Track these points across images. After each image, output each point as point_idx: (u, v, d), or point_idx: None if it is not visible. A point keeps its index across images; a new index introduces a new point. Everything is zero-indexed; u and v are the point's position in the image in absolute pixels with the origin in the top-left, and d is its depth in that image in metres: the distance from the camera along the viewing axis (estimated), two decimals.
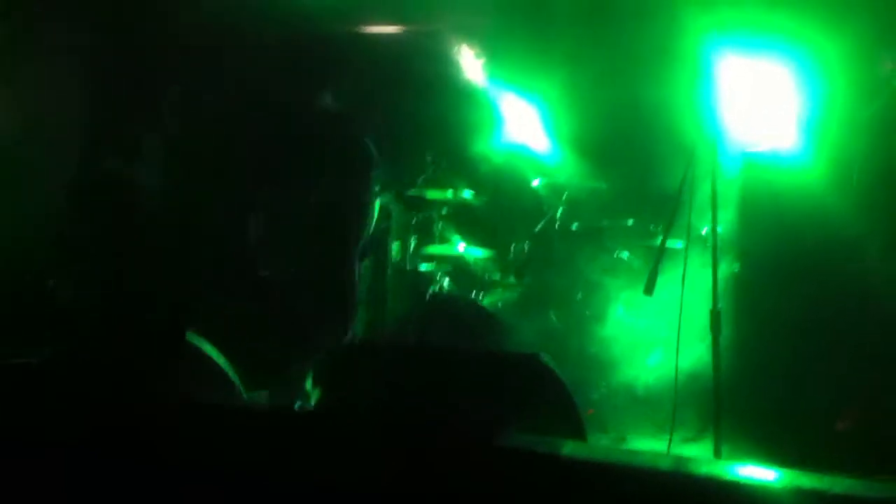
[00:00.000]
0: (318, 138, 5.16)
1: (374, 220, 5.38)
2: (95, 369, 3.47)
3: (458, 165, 7.10)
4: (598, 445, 2.85)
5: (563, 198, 6.61)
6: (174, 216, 6.13)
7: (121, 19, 6.08)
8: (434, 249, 7.10)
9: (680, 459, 2.22)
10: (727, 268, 5.06)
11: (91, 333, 4.67)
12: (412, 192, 7.04)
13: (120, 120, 6.04)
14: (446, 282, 6.88)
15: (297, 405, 4.98)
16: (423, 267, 7.09)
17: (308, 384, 5.03)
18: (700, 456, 4.49)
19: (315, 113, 5.22)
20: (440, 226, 7.14)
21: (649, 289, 4.13)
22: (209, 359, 3.98)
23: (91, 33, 6.09)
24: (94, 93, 6.10)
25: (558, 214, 6.58)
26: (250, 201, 5.79)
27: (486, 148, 7.06)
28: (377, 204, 5.39)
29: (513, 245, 6.86)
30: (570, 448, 2.27)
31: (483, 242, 7.09)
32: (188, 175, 6.16)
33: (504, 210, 7.14)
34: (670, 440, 4.28)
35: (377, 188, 5.35)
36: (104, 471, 2.56)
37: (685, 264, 4.21)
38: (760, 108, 4.54)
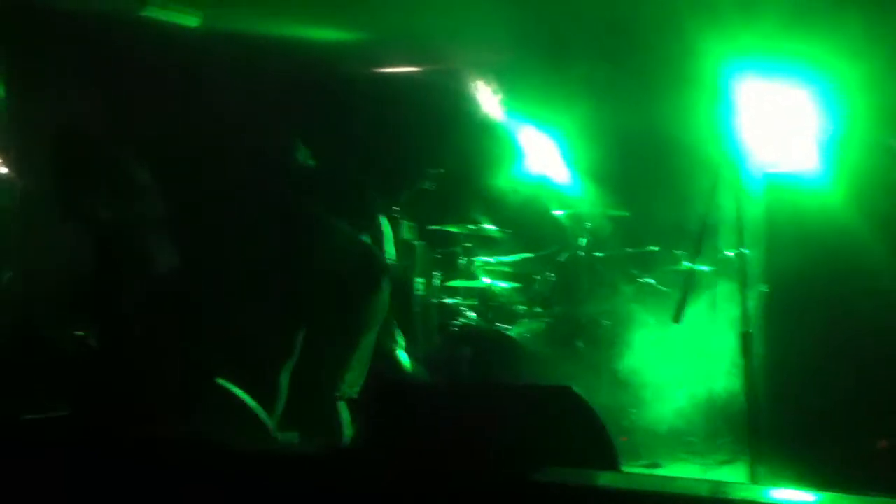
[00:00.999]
0: (341, 177, 5.19)
1: (394, 260, 5.39)
2: (122, 416, 3.50)
3: (480, 199, 7.13)
4: (635, 474, 2.83)
5: (587, 227, 6.62)
6: (195, 256, 6.18)
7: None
8: (459, 283, 7.12)
9: (718, 484, 2.21)
10: (755, 290, 5.05)
11: (116, 381, 4.71)
12: (434, 227, 7.08)
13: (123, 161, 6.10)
14: (473, 315, 6.89)
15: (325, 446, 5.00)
16: (449, 301, 7.11)
17: (339, 425, 5.04)
18: (737, 480, 4.45)
19: (332, 152, 5.26)
20: (464, 260, 7.16)
21: (678, 316, 4.11)
22: (239, 401, 4.00)
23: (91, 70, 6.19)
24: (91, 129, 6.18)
25: (583, 243, 6.58)
26: (272, 247, 5.83)
27: (507, 181, 7.09)
28: (391, 242, 5.41)
29: (538, 276, 6.86)
30: (606, 479, 2.26)
31: (508, 275, 7.10)
32: (208, 217, 6.22)
33: (528, 241, 7.15)
34: (706, 466, 4.24)
35: (389, 227, 5.38)
36: (104, 471, 2.57)
37: (715, 288, 4.20)
38: (782, 131, 4.54)
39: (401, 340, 5.51)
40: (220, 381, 4.08)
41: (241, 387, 3.97)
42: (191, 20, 6.66)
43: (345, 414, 4.96)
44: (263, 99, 6.30)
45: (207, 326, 6.21)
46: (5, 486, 2.58)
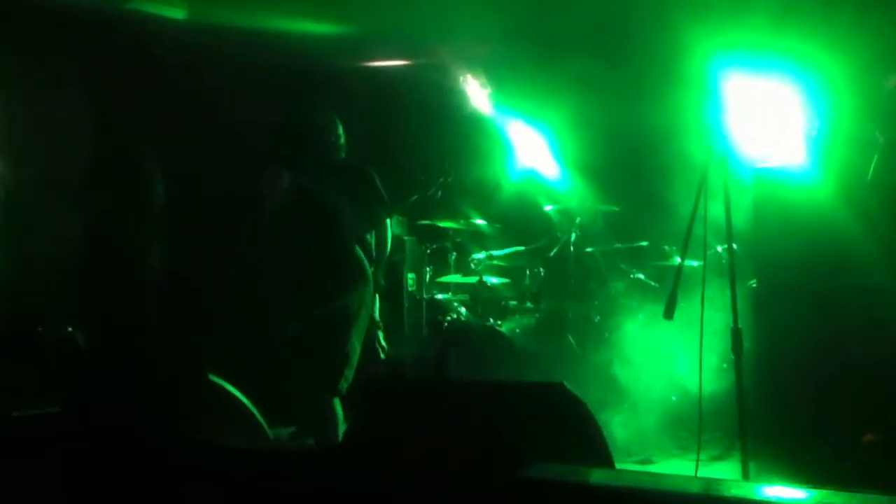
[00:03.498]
0: (328, 168, 5.18)
1: (386, 253, 5.39)
2: (116, 414, 3.49)
3: (470, 194, 7.14)
4: (626, 471, 2.84)
5: (577, 222, 6.64)
6: (187, 254, 6.17)
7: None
8: (449, 278, 7.13)
9: (709, 482, 2.23)
10: (745, 285, 5.07)
11: (109, 378, 4.69)
12: (424, 222, 7.08)
13: (117, 158, 6.08)
14: (463, 310, 6.89)
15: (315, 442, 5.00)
16: (439, 296, 7.11)
17: (332, 421, 5.04)
18: (728, 476, 4.48)
19: (323, 144, 5.24)
20: (454, 255, 7.17)
21: (669, 312, 4.12)
22: (232, 398, 4.00)
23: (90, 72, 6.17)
24: (91, 132, 6.15)
25: (572, 239, 6.60)
26: (264, 238, 5.81)
27: (496, 176, 7.10)
28: (389, 236, 5.40)
29: (528, 271, 6.87)
30: (598, 476, 2.28)
31: (498, 270, 7.11)
32: (199, 215, 6.21)
33: (518, 237, 7.16)
34: (697, 461, 4.26)
35: (385, 219, 5.37)
36: (104, 471, 2.57)
37: (703, 283, 4.21)
38: (769, 126, 4.57)
39: (382, 338, 5.51)
40: (213, 378, 4.08)
41: (234, 383, 3.98)
42: (177, 13, 6.63)
43: (338, 410, 4.96)
44: (250, 93, 6.29)
45: (201, 323, 6.21)
46: (5, 486, 2.58)
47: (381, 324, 5.48)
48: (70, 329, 5.20)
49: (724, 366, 4.88)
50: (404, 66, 7.57)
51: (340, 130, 5.13)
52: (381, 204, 5.17)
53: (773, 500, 2.05)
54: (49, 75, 6.07)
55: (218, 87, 6.27)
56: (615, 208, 6.72)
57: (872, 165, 4.28)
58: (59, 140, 6.03)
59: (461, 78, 7.14)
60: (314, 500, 2.42)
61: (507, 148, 7.10)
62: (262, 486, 2.45)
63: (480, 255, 6.97)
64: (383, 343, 5.50)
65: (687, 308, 4.35)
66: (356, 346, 5.04)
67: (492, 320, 6.70)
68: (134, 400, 3.67)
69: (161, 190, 6.17)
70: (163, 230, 6.14)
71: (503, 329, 6.43)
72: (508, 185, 7.07)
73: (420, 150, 6.94)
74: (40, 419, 3.08)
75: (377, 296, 5.39)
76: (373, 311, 5.33)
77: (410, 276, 7.07)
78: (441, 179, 6.35)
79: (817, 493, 2.02)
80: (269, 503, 2.41)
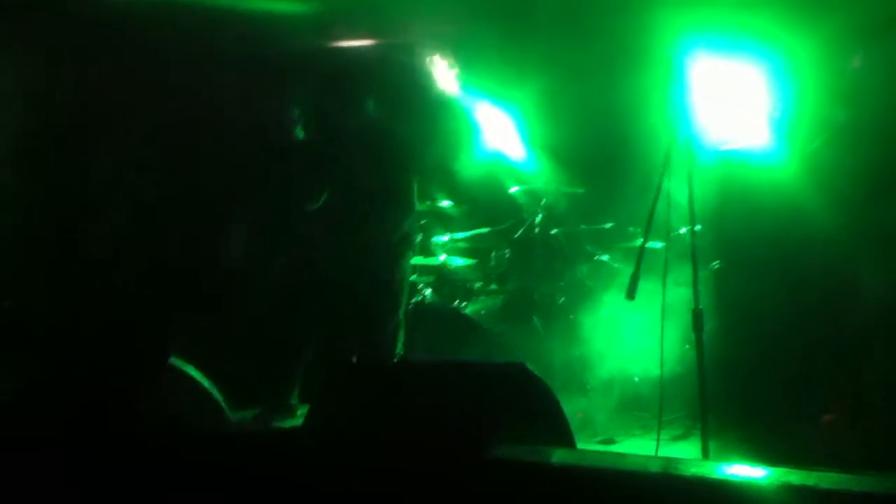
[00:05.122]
0: (298, 149, 5.15)
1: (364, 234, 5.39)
2: (78, 396, 3.45)
3: (436, 175, 7.11)
4: (588, 451, 2.86)
5: (542, 204, 6.64)
6: (150, 234, 6.09)
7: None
8: (415, 260, 7.11)
9: (669, 461, 2.23)
10: (707, 267, 5.11)
11: (69, 360, 4.63)
12: None
13: (75, 138, 5.99)
14: (428, 292, 6.88)
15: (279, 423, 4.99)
16: None
17: (295, 404, 5.02)
18: (689, 456, 4.52)
19: (292, 126, 5.20)
20: (420, 237, 7.14)
21: (631, 293, 4.13)
22: (193, 381, 3.96)
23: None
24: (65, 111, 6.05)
25: (538, 220, 6.60)
26: (229, 217, 5.77)
27: (463, 157, 7.08)
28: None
29: (493, 253, 6.87)
30: (559, 456, 2.28)
31: (464, 251, 7.10)
32: (164, 193, 6.13)
33: (484, 218, 7.15)
34: (658, 441, 4.29)
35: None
36: (101, 471, 2.54)
37: (665, 265, 4.23)
38: (734, 107, 4.58)
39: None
40: (175, 361, 4.03)
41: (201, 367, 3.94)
42: None
43: (301, 392, 4.96)
44: (217, 74, 6.21)
45: (162, 305, 6.15)
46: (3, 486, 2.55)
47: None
48: (32, 310, 5.14)
49: (687, 346, 4.91)
50: (370, 45, 7.50)
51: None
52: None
53: (731, 478, 2.07)
54: (5, 55, 5.96)
55: (177, 67, 6.18)
56: (581, 190, 6.73)
57: (835, 147, 4.31)
58: (17, 118, 5.92)
59: (428, 58, 7.09)
60: (278, 486, 2.40)
61: (474, 129, 7.07)
62: (217, 469, 2.42)
63: (444, 238, 6.96)
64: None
65: (650, 289, 4.37)
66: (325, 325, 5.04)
67: (457, 302, 6.70)
68: (95, 383, 3.63)
69: (127, 170, 6.09)
70: (131, 212, 6.07)
71: (469, 311, 6.43)
72: (474, 166, 7.04)
73: (391, 135, 6.91)
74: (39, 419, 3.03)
75: None
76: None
77: None
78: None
79: (775, 472, 2.04)
80: (224, 486, 2.39)
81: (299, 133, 5.13)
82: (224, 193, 5.64)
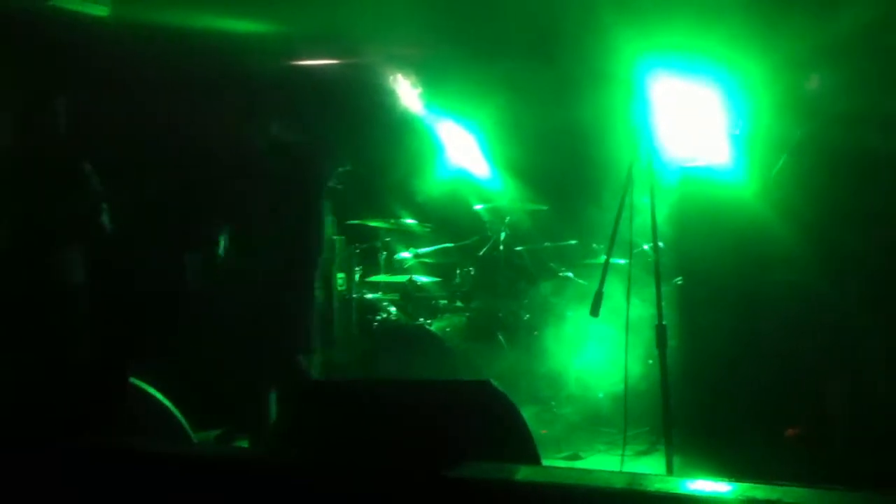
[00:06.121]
0: (260, 169, 5.13)
1: (322, 249, 5.36)
2: (37, 415, 3.40)
3: (400, 194, 7.12)
4: (553, 468, 2.86)
5: (506, 221, 6.67)
6: (109, 253, 6.02)
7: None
8: (379, 278, 7.10)
9: (633, 477, 2.24)
10: (671, 282, 5.15)
11: (27, 379, 4.57)
12: (354, 221, 7.04)
13: (36, 155, 5.91)
14: (393, 310, 6.87)
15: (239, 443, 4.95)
16: (370, 296, 7.08)
17: (258, 424, 4.98)
18: (653, 471, 4.54)
19: (257, 145, 5.19)
20: (384, 255, 7.15)
21: (595, 310, 4.16)
22: (154, 401, 3.92)
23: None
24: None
25: (502, 238, 6.63)
26: (191, 235, 5.72)
27: (427, 175, 7.10)
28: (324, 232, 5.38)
29: (458, 270, 6.88)
30: (525, 473, 2.28)
31: (428, 269, 7.10)
32: (122, 212, 6.07)
33: (448, 236, 7.16)
34: (622, 457, 4.31)
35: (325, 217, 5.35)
36: (99, 471, 2.51)
37: (629, 281, 4.26)
38: (693, 125, 4.64)
39: (321, 335, 5.47)
40: (135, 382, 3.99)
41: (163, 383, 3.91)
42: (100, 10, 6.46)
43: (265, 413, 4.92)
44: (175, 93, 6.17)
45: (126, 323, 6.07)
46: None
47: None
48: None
49: (651, 362, 4.95)
50: (335, 65, 7.51)
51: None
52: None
53: (695, 493, 2.08)
54: None
55: (142, 87, 6.13)
56: (544, 207, 6.77)
57: (794, 164, 4.37)
58: None
59: (391, 78, 7.11)
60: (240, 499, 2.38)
61: (438, 147, 7.10)
62: (178, 490, 2.39)
63: (407, 254, 6.96)
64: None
65: (614, 305, 4.40)
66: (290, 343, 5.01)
67: (422, 319, 6.69)
68: (50, 403, 3.58)
69: (83, 188, 6.01)
70: (86, 229, 5.99)
71: (434, 328, 6.42)
72: (439, 184, 7.06)
73: (355, 154, 6.91)
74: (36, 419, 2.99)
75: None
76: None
77: (340, 275, 7.02)
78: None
79: (739, 486, 2.05)
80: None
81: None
82: (184, 214, 5.61)
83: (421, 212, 7.06)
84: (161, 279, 5.92)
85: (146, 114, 6.04)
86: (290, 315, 5.03)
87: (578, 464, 5.28)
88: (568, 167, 6.60)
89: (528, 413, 2.98)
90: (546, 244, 6.67)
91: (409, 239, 7.17)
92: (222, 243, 5.21)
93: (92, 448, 2.59)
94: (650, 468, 4.90)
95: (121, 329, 5.91)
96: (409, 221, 6.95)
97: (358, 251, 7.12)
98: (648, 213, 4.22)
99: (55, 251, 5.37)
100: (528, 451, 2.68)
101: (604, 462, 5.23)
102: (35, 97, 5.94)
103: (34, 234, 5.34)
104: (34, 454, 2.57)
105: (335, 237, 7.06)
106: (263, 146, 5.17)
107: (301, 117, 6.11)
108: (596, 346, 5.64)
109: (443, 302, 6.92)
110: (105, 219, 5.50)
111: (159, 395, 3.85)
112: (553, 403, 5.85)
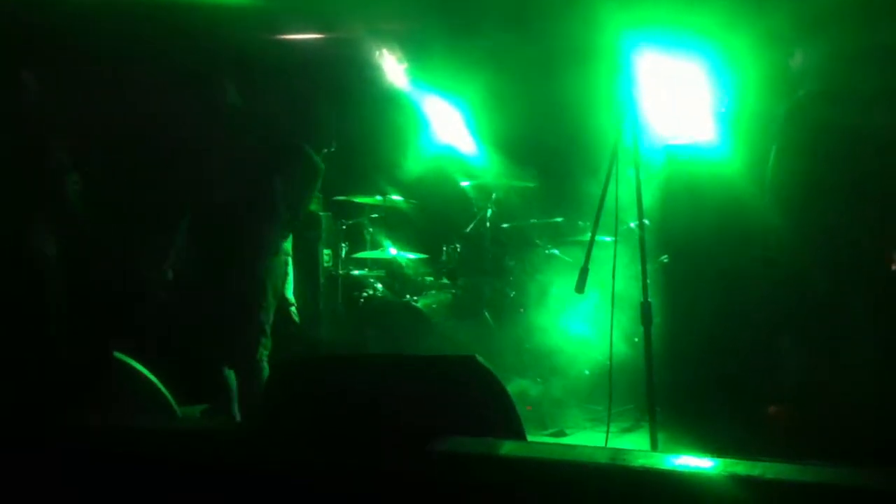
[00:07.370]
0: (239, 143, 5.10)
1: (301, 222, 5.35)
2: (20, 395, 3.39)
3: (386, 170, 7.10)
4: (537, 443, 2.87)
5: (492, 198, 6.66)
6: (85, 229, 5.99)
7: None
8: (366, 255, 7.10)
9: (617, 452, 2.25)
10: (657, 260, 5.17)
11: (11, 357, 4.55)
12: (340, 198, 7.03)
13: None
14: (379, 286, 6.87)
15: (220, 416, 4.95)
16: (356, 273, 7.08)
17: (244, 398, 4.98)
18: (637, 447, 4.57)
19: (238, 119, 5.15)
20: (371, 231, 7.14)
21: (580, 287, 4.18)
22: (139, 375, 3.91)
23: None
24: None
25: (488, 215, 6.62)
26: (165, 209, 5.68)
27: (413, 151, 7.07)
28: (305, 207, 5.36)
29: (444, 247, 6.88)
30: (508, 448, 2.28)
31: (415, 246, 7.10)
32: (98, 189, 6.02)
33: (434, 213, 7.15)
34: (607, 433, 4.34)
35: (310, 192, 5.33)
36: (99, 471, 2.51)
37: (615, 258, 4.27)
38: (678, 103, 4.65)
39: (295, 314, 5.46)
40: (119, 356, 3.97)
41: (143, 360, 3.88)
42: None
43: (232, 385, 4.94)
44: (154, 71, 6.09)
45: (107, 302, 6.05)
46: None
47: (292, 301, 5.42)
48: None
49: (636, 339, 4.97)
50: (319, 40, 7.45)
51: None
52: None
53: (678, 468, 2.09)
54: None
55: (116, 63, 6.05)
56: (531, 184, 6.76)
57: (777, 142, 4.38)
58: None
59: (376, 53, 7.07)
60: (225, 482, 2.38)
61: (423, 123, 7.07)
62: (163, 467, 2.39)
63: (393, 250, 6.96)
64: (296, 319, 5.45)
65: (600, 283, 4.41)
66: (269, 316, 5.00)
67: (408, 296, 6.70)
68: (35, 380, 3.56)
69: (59, 174, 5.96)
70: (64, 213, 5.94)
71: (420, 305, 6.43)
72: (425, 160, 7.04)
73: (340, 130, 6.87)
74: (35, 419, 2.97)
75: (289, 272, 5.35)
76: (284, 287, 5.29)
77: (326, 252, 7.02)
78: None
79: (721, 462, 2.06)
80: (171, 484, 2.37)
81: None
82: (159, 189, 5.57)
83: (407, 188, 7.04)
84: (121, 261, 5.90)
85: (114, 90, 5.96)
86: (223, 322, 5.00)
87: (563, 440, 5.32)
88: (554, 144, 6.59)
89: (513, 390, 2.99)
90: (532, 221, 6.67)
91: (396, 214, 7.16)
92: (182, 228, 5.18)
93: (92, 448, 2.58)
94: (635, 445, 4.93)
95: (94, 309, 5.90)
96: (396, 198, 6.94)
97: (344, 227, 7.11)
98: (634, 190, 4.23)
99: (24, 224, 5.34)
100: (513, 428, 2.69)
101: (589, 439, 5.26)
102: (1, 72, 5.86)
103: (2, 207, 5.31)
104: (34, 454, 2.56)
105: (321, 213, 7.05)
106: (235, 125, 5.13)
107: (285, 94, 6.07)
108: (582, 324, 5.66)
109: (429, 279, 6.92)
110: (72, 192, 5.47)
111: (145, 371, 3.83)
112: (539, 380, 5.87)
